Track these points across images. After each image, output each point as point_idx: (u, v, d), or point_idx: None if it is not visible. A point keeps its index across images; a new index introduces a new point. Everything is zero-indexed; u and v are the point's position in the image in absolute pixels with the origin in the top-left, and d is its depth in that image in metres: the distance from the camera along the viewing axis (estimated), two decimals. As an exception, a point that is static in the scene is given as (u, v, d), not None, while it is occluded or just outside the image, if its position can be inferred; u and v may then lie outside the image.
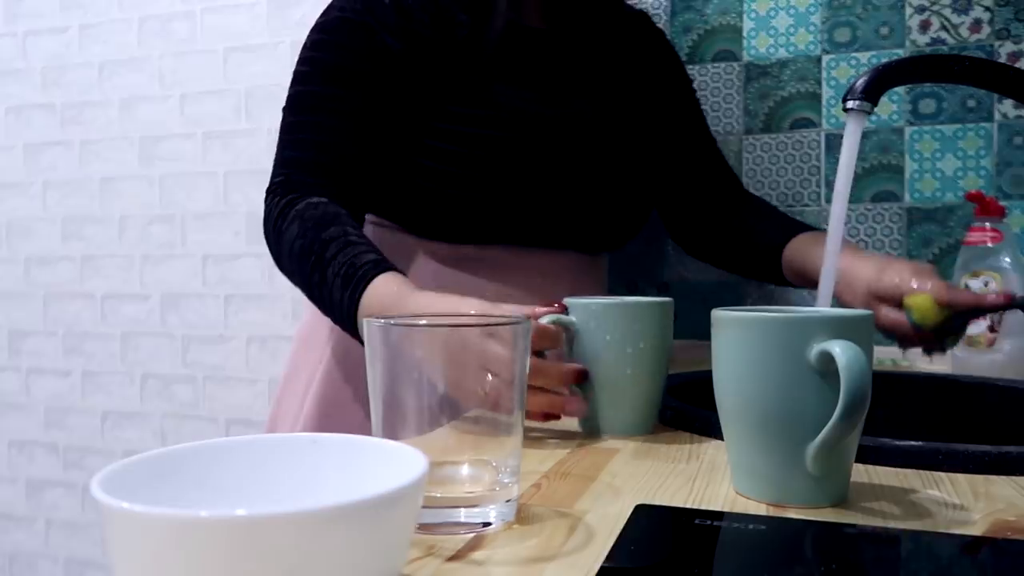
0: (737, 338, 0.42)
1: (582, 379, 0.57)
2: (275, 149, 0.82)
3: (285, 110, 0.82)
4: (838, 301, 0.79)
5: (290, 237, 0.74)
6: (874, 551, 0.35)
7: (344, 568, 0.26)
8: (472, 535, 0.37)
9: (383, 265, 0.68)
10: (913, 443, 0.49)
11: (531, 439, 0.57)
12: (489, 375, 0.38)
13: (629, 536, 0.36)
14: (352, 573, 0.27)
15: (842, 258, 0.73)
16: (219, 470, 0.33)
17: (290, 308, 1.37)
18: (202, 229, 1.43)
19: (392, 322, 0.38)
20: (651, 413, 0.59)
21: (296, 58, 0.83)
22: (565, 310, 0.59)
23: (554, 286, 0.84)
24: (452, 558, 0.35)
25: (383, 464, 0.33)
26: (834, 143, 1.08)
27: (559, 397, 0.56)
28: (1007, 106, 1.02)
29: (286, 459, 0.35)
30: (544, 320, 0.57)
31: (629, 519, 0.38)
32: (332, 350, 0.87)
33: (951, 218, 1.04)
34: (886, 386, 0.75)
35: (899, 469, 0.48)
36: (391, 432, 0.38)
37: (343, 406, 0.85)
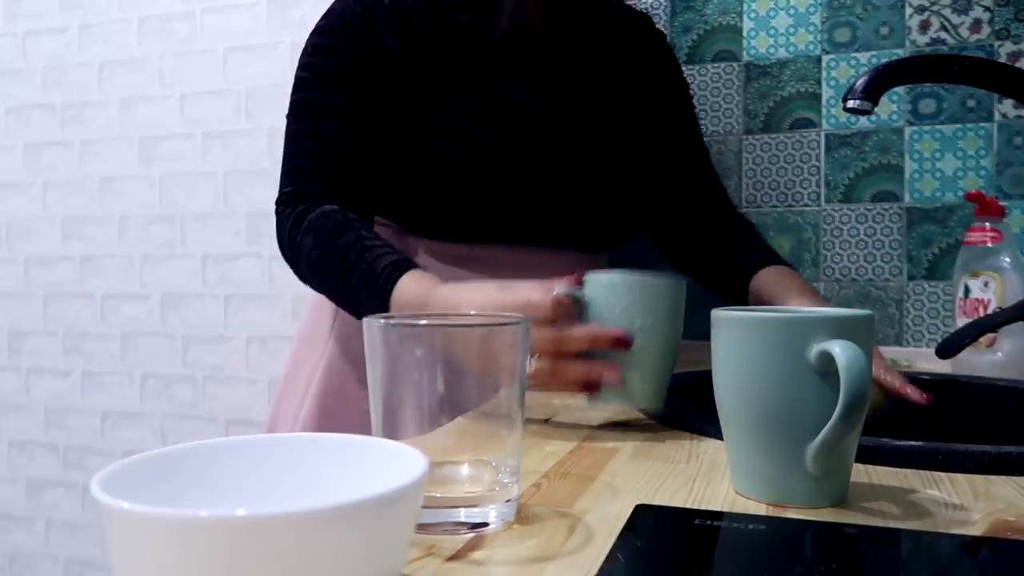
0: (737, 338, 0.42)
1: (626, 346, 0.56)
2: (281, 156, 0.82)
3: (289, 117, 0.82)
4: None
5: (306, 249, 0.75)
6: (874, 551, 0.35)
7: (344, 568, 0.26)
8: (472, 535, 0.37)
9: (401, 266, 0.69)
10: (913, 443, 0.49)
11: (531, 439, 0.57)
12: (489, 375, 0.38)
13: (629, 536, 0.36)
14: (352, 573, 0.27)
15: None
16: (219, 470, 0.33)
17: (290, 308, 1.38)
18: (202, 229, 1.43)
19: (392, 322, 0.38)
20: (662, 390, 0.60)
21: (296, 59, 0.83)
22: (581, 282, 0.59)
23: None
24: (452, 558, 0.35)
25: (383, 464, 0.33)
26: (834, 143, 1.08)
27: (598, 364, 0.56)
28: (1007, 106, 1.02)
29: (286, 459, 0.35)
30: (558, 291, 0.57)
31: (629, 519, 0.38)
32: (332, 350, 0.87)
33: (951, 218, 1.04)
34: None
35: (899, 469, 0.48)
36: (391, 432, 0.38)
37: (343, 406, 0.85)
